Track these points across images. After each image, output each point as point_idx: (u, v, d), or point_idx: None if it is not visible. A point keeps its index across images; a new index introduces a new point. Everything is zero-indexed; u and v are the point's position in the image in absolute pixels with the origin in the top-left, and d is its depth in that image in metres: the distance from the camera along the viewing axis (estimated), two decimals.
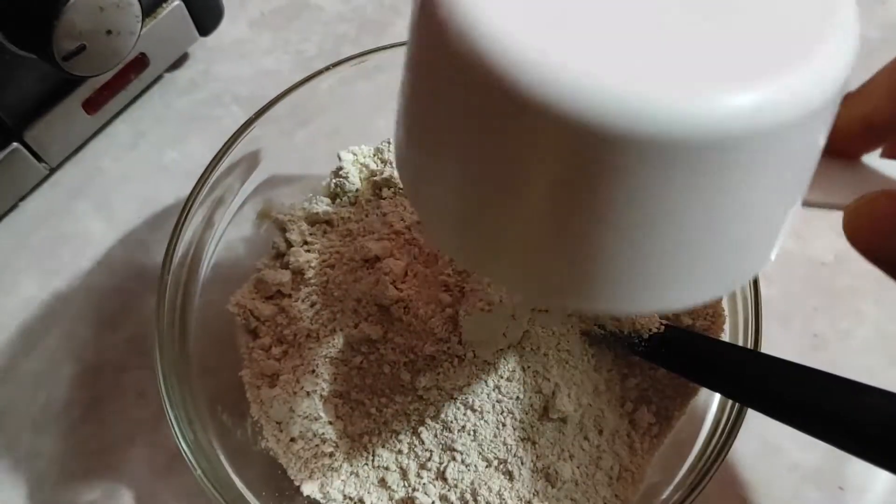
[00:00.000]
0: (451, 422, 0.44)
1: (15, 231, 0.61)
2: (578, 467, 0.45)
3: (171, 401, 0.44)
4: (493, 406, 0.44)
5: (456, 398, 0.44)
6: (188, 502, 0.51)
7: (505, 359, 0.44)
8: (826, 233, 0.61)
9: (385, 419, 0.45)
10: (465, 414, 0.44)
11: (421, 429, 0.45)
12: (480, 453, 0.44)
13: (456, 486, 0.45)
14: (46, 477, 0.52)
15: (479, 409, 0.44)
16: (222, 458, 0.45)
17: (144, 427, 0.54)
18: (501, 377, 0.44)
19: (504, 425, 0.44)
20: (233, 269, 0.52)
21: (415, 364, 0.44)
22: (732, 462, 0.42)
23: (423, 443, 0.45)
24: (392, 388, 0.45)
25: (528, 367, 0.44)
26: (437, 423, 0.44)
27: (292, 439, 0.47)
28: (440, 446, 0.45)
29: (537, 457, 0.44)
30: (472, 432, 0.44)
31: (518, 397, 0.44)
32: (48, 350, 0.56)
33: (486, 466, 0.45)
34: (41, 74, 0.55)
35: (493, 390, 0.44)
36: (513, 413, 0.44)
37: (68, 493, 0.52)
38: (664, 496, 0.43)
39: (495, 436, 0.44)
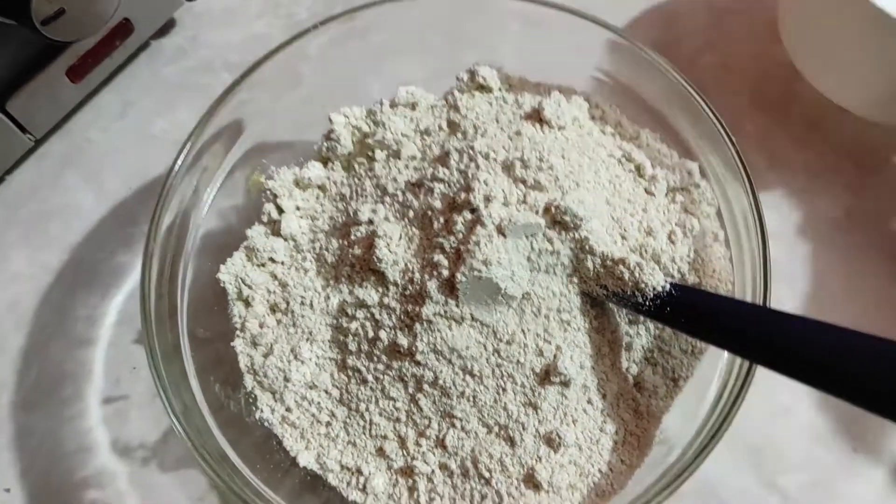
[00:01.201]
0: (450, 387, 0.43)
1: (2, 205, 0.60)
2: (582, 432, 0.43)
3: (160, 373, 0.42)
4: (493, 371, 0.42)
5: (454, 363, 0.42)
6: (183, 478, 0.50)
7: (504, 322, 0.42)
8: (834, 188, 0.59)
9: (382, 386, 0.44)
10: (464, 379, 0.43)
11: (419, 395, 0.43)
12: (480, 419, 0.43)
13: (456, 453, 0.43)
14: (39, 454, 0.51)
15: (478, 374, 0.42)
16: (215, 430, 0.44)
17: (138, 401, 0.53)
18: (501, 341, 0.42)
19: (504, 390, 0.43)
20: (223, 238, 0.50)
21: (411, 328, 0.43)
22: (743, 425, 0.41)
23: (421, 410, 0.44)
24: (389, 353, 0.44)
25: (529, 329, 0.42)
26: (436, 389, 0.43)
27: (288, 409, 0.45)
28: (439, 413, 0.43)
29: (539, 422, 0.43)
30: (471, 398, 0.43)
31: (519, 361, 0.42)
32: (38, 326, 0.55)
33: (487, 433, 0.43)
34: (21, 41, 0.53)
35: (493, 354, 0.42)
36: (513, 377, 0.42)
37: (61, 470, 0.51)
38: (672, 459, 0.41)
39: (495, 401, 0.43)
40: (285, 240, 0.49)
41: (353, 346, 0.45)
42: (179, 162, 0.47)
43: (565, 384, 0.43)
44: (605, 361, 0.44)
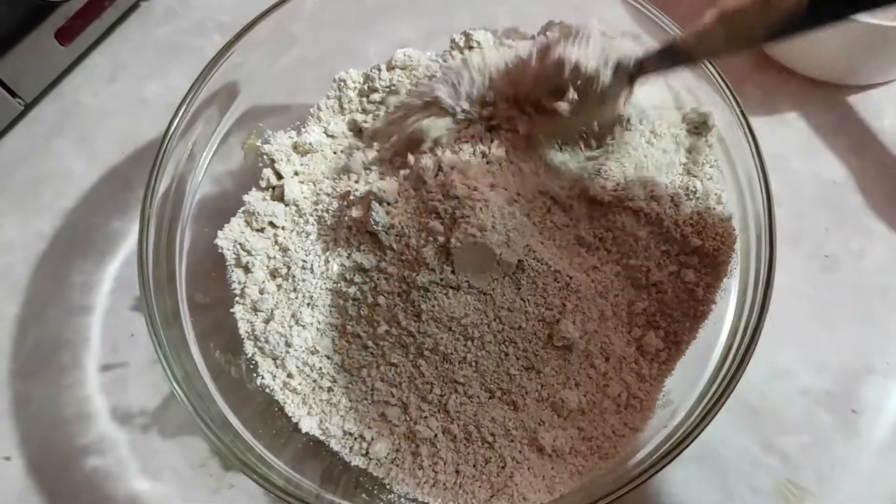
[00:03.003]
0: (451, 353, 0.42)
1: None
2: (585, 395, 0.43)
3: (160, 339, 0.42)
4: (495, 336, 0.42)
5: (454, 330, 0.42)
6: (184, 444, 0.50)
7: (502, 289, 0.42)
8: (836, 149, 0.59)
9: (383, 352, 0.44)
10: (465, 345, 0.42)
11: (420, 361, 0.43)
12: (483, 384, 0.43)
13: (458, 417, 0.43)
14: (38, 422, 0.51)
15: (479, 340, 0.42)
16: (216, 396, 0.43)
17: (137, 367, 0.52)
18: (502, 307, 0.42)
19: (507, 355, 0.42)
20: (219, 203, 0.49)
21: (409, 295, 0.42)
22: (743, 387, 0.41)
23: (423, 375, 0.43)
24: (388, 319, 0.43)
25: (529, 297, 0.42)
26: (437, 355, 0.43)
27: (289, 375, 0.45)
28: (441, 378, 0.43)
29: (542, 386, 0.43)
30: (473, 363, 0.43)
31: (520, 326, 0.42)
32: (33, 293, 0.55)
33: (489, 397, 0.43)
34: (9, 2, 0.51)
35: (494, 320, 0.42)
36: (515, 343, 0.42)
37: (61, 438, 0.50)
38: (676, 422, 0.41)
39: (498, 366, 0.43)
40: (287, 205, 0.49)
41: (352, 312, 0.44)
42: (174, 126, 0.46)
43: (568, 348, 0.42)
44: (608, 325, 0.44)
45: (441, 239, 0.41)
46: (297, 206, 0.49)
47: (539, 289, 0.42)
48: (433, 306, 0.42)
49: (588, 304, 0.43)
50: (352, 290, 0.44)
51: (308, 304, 0.45)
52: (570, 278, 0.43)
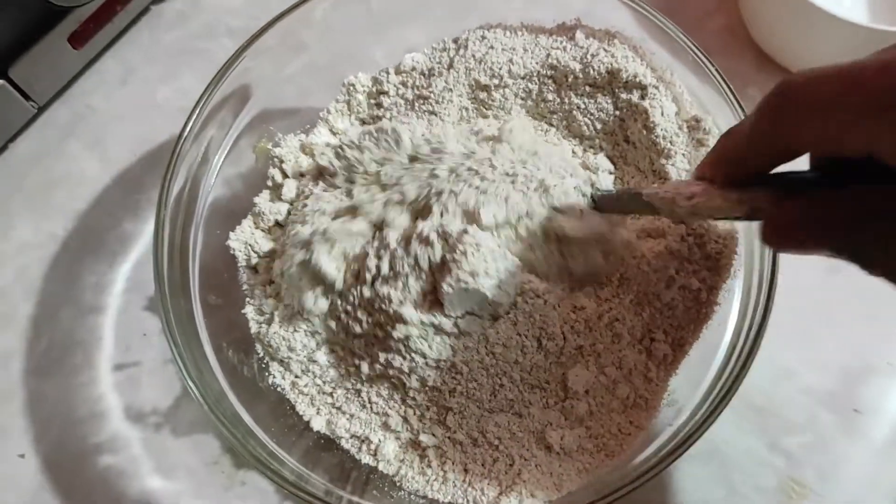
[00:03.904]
0: (440, 385, 0.43)
1: (7, 174, 0.59)
2: (594, 398, 0.44)
3: (175, 338, 0.43)
4: (487, 370, 0.42)
5: (441, 367, 0.42)
6: (197, 442, 0.51)
7: (495, 328, 0.41)
8: None
9: (370, 379, 0.44)
10: (454, 378, 0.42)
11: (409, 388, 0.43)
12: (479, 407, 0.43)
13: (461, 427, 0.44)
14: (52, 420, 0.52)
15: (467, 374, 0.42)
16: (230, 394, 0.44)
17: (149, 367, 0.53)
18: (496, 344, 0.41)
19: (502, 386, 0.42)
20: (229, 205, 0.50)
21: (385, 341, 0.42)
22: (747, 387, 0.41)
23: (414, 400, 0.44)
24: (366, 351, 0.44)
25: (527, 332, 0.42)
26: (425, 387, 0.43)
27: (296, 376, 0.46)
28: (433, 403, 0.43)
29: (548, 396, 0.43)
30: (463, 394, 0.43)
31: (516, 361, 0.42)
32: (47, 294, 0.55)
33: (489, 412, 0.43)
34: (24, 6, 0.52)
35: (487, 355, 0.42)
36: (511, 376, 0.42)
37: (75, 437, 0.51)
38: (681, 421, 0.42)
39: (493, 394, 0.43)
40: (290, 204, 0.49)
41: (335, 330, 0.45)
42: (188, 128, 0.47)
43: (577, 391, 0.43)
44: (623, 343, 0.44)
45: (430, 298, 0.41)
46: (292, 205, 0.49)
47: (536, 321, 0.42)
48: (414, 356, 0.42)
49: (601, 331, 0.43)
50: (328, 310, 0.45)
51: (297, 311, 0.46)
52: (575, 306, 0.43)
